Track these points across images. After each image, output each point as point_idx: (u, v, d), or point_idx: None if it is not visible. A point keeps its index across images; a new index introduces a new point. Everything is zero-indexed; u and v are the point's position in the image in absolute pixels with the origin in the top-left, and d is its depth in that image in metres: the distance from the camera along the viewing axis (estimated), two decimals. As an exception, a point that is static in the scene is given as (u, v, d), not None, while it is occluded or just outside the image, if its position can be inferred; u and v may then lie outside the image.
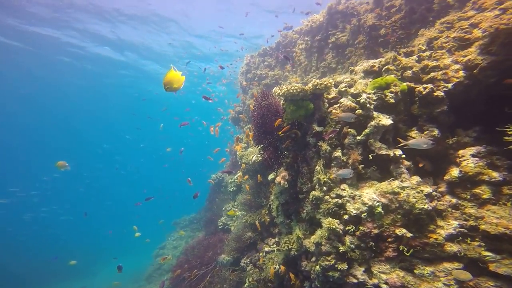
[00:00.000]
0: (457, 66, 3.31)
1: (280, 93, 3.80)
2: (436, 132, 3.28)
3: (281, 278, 4.77)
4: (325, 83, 3.66)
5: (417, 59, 3.74)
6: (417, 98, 3.46)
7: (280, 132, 3.90)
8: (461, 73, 3.25)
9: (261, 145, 4.41)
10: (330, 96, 3.96)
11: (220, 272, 6.57)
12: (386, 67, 3.84)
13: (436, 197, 3.08)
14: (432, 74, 3.44)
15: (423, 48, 3.86)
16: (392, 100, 3.56)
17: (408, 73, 3.64)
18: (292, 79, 8.48)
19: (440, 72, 3.37)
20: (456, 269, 2.78)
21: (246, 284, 5.79)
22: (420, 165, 3.35)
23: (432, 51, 3.67)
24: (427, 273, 2.87)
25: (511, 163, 2.81)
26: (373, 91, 3.68)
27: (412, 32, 4.90)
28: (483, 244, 2.76)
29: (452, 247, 2.85)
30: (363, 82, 3.92)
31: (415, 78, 3.61)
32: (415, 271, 2.95)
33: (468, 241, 2.83)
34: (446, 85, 3.29)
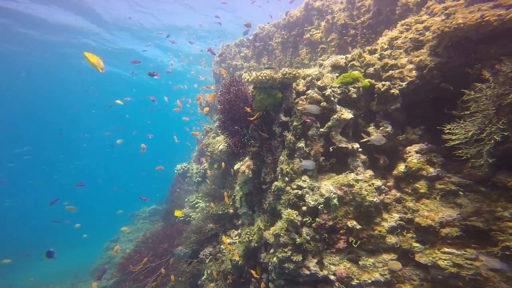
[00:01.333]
0: (411, 66, 3.61)
1: (250, 79, 3.80)
2: (389, 128, 3.55)
3: (240, 269, 4.81)
4: (294, 72, 3.74)
5: (379, 57, 4.01)
6: (376, 95, 3.71)
7: (252, 118, 3.90)
8: (414, 72, 3.55)
9: (227, 132, 4.36)
10: (298, 87, 4.06)
11: (176, 265, 6.42)
12: (352, 62, 4.05)
13: (384, 191, 3.35)
14: (390, 72, 3.71)
15: (385, 46, 4.14)
16: (355, 95, 3.77)
17: (371, 70, 3.88)
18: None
19: (397, 71, 3.65)
20: (391, 259, 3.09)
21: (204, 276, 5.74)
22: (381, 162, 3.60)
23: (392, 50, 3.96)
24: (369, 264, 3.15)
25: (444, 161, 3.16)
26: (338, 85, 3.86)
27: (377, 32, 5.25)
28: (415, 235, 3.09)
29: (391, 239, 3.15)
30: (329, 76, 4.08)
31: (376, 76, 3.87)
32: (359, 262, 3.21)
33: (404, 233, 3.15)
34: (401, 83, 3.57)
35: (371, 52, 4.25)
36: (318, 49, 6.81)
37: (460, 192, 2.93)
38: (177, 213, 5.74)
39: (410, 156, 3.32)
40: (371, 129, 3.68)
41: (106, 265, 12.88)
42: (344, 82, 3.82)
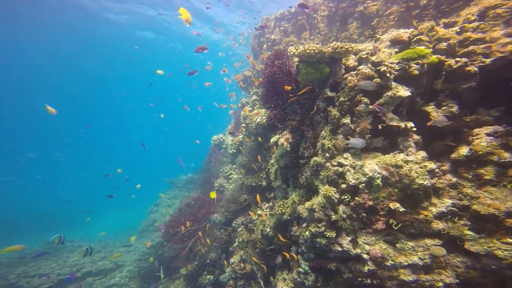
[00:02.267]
0: (507, 40, 3.13)
1: (296, 53, 3.65)
2: (455, 108, 3.20)
3: (270, 240, 4.99)
4: (346, 47, 3.49)
5: (458, 30, 3.55)
6: (444, 72, 3.32)
7: (299, 92, 3.80)
8: (510, 47, 3.05)
9: (268, 104, 4.34)
10: (348, 62, 3.82)
11: (211, 231, 6.90)
12: (419, 37, 3.64)
13: (437, 175, 3.08)
14: (471, 48, 3.28)
15: (472, 18, 3.62)
16: (416, 72, 3.42)
17: (443, 45, 3.47)
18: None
19: (482, 46, 3.21)
20: (435, 245, 2.89)
21: (236, 244, 6.11)
22: (450, 143, 3.28)
23: (481, 22, 3.45)
24: (407, 247, 3.01)
25: None
26: (397, 61, 3.52)
27: (460, 4, 4.56)
28: (468, 223, 2.83)
29: (438, 225, 2.94)
30: (387, 51, 3.74)
31: (449, 51, 3.45)
32: (397, 244, 3.08)
33: (455, 220, 2.91)
34: (484, 60, 3.14)
35: (448, 26, 3.78)
36: (373, 23, 6.21)
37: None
38: (212, 195, 6.11)
39: (478, 139, 2.96)
40: (430, 108, 3.35)
41: (150, 227, 14.41)
42: (405, 58, 3.47)
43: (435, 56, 3.39)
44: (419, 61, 3.41)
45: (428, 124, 3.17)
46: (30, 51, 25.37)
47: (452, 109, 3.19)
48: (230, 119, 13.16)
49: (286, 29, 9.55)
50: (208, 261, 6.97)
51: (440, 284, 2.83)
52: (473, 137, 3.00)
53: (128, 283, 9.57)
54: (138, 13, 19.05)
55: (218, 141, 11.55)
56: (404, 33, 3.84)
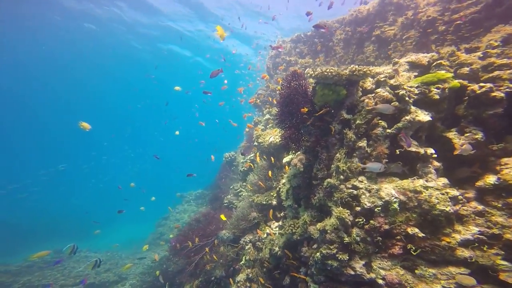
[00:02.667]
0: None
1: (313, 75, 3.73)
2: (480, 135, 3.11)
3: (278, 259, 4.85)
4: (364, 70, 3.55)
5: (481, 55, 3.55)
6: (466, 97, 3.28)
7: (317, 114, 3.84)
8: None
9: (283, 124, 4.38)
10: (365, 85, 3.86)
11: (219, 247, 6.78)
12: (439, 61, 3.65)
13: (461, 201, 2.94)
14: (496, 73, 3.26)
15: (495, 44, 3.62)
16: (437, 97, 3.39)
17: (465, 70, 3.46)
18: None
19: (508, 71, 3.17)
20: (461, 273, 2.70)
21: (242, 262, 5.96)
22: (477, 170, 3.16)
23: (505, 48, 3.46)
24: (428, 274, 2.83)
25: None
26: (417, 85, 3.52)
27: (481, 31, 4.58)
28: (502, 252, 2.64)
29: (464, 252, 2.77)
30: (406, 75, 3.76)
31: (472, 77, 3.44)
32: (416, 271, 2.91)
33: (485, 249, 2.73)
34: (511, 85, 3.07)
35: (469, 51, 3.78)
36: (390, 46, 6.30)
37: None
38: (223, 217, 6.21)
39: (507, 168, 2.85)
40: (452, 134, 3.27)
41: (157, 240, 14.35)
42: (425, 82, 3.47)
43: (457, 80, 3.36)
44: (440, 86, 3.39)
45: (455, 153, 3.09)
46: (72, 66, 27.14)
47: (477, 136, 3.10)
48: (242, 138, 13.32)
49: (302, 50, 9.79)
50: (213, 278, 6.80)
51: None
52: (502, 166, 2.89)
53: None
54: (162, 26, 20.22)
55: (229, 158, 11.65)
56: (424, 57, 3.86)
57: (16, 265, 11.54)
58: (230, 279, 5.87)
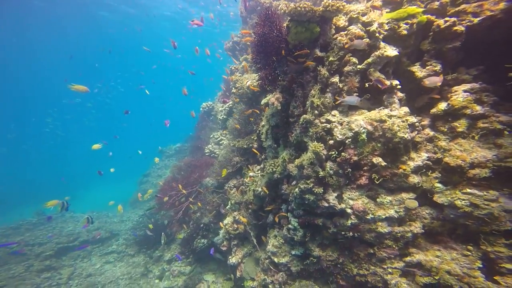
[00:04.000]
0: None
1: (286, 11, 3.66)
2: (438, 67, 3.41)
3: (262, 200, 5.35)
4: (337, 5, 3.53)
5: None
6: (431, 32, 3.46)
7: (295, 54, 3.87)
8: (502, 4, 3.14)
9: (259, 65, 4.41)
10: (338, 23, 3.88)
11: (204, 195, 7.26)
12: None
13: (417, 129, 3.38)
14: (462, 6, 3.38)
15: None
16: (405, 32, 3.55)
17: (435, 4, 3.56)
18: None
19: (474, 4, 3.30)
20: (409, 198, 3.29)
21: (228, 206, 6.50)
22: (435, 96, 3.49)
23: None
24: (386, 201, 3.40)
25: (497, 100, 3.06)
26: (387, 21, 3.62)
27: None
28: (440, 176, 3.21)
29: (414, 179, 3.31)
30: (378, 12, 3.80)
31: (440, 11, 3.55)
32: (377, 199, 3.46)
33: (429, 173, 3.28)
34: (472, 19, 3.26)
35: None
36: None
37: (505, 132, 2.90)
38: (224, 172, 6.38)
39: (455, 95, 3.23)
40: (415, 68, 3.55)
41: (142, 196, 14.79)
42: (395, 18, 3.56)
43: (424, 16, 3.49)
44: (409, 21, 3.52)
45: (424, 85, 3.36)
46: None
47: (436, 68, 3.40)
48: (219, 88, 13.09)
49: None
50: (202, 225, 7.42)
51: (409, 234, 3.29)
52: (451, 94, 3.26)
53: (125, 250, 10.15)
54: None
55: (207, 108, 11.58)
56: None
57: (2, 227, 11.77)
58: (221, 223, 6.42)
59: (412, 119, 3.33)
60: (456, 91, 3.25)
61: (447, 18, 3.35)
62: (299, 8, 3.52)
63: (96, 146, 7.62)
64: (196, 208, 7.35)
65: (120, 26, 26.07)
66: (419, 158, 3.31)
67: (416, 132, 3.39)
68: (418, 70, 3.53)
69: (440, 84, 3.26)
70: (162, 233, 7.23)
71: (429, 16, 3.50)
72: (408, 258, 3.32)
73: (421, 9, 3.50)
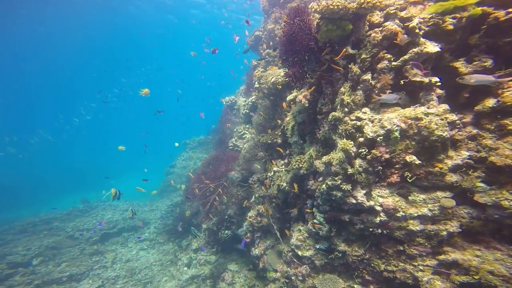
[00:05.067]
0: None
1: (318, 9, 3.53)
2: (489, 63, 3.11)
3: (286, 194, 5.34)
4: (374, 2, 3.33)
5: None
6: (485, 25, 3.15)
7: (336, 58, 3.74)
8: None
9: (287, 63, 4.32)
10: (373, 19, 3.68)
11: (229, 188, 7.37)
12: None
13: (458, 126, 3.16)
14: None
15: None
16: (451, 27, 3.28)
17: None
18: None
19: None
20: (445, 197, 3.10)
21: (252, 199, 6.55)
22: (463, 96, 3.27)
23: None
24: (419, 199, 3.23)
25: None
26: (430, 16, 3.36)
27: None
28: (482, 175, 2.98)
29: (452, 178, 3.10)
30: (418, 7, 3.55)
31: (502, 1, 3.17)
32: (409, 197, 3.29)
33: (470, 172, 3.05)
34: None
35: None
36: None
37: None
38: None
39: (508, 91, 2.93)
40: (459, 64, 3.27)
41: (168, 187, 15.39)
42: (440, 12, 3.28)
43: (479, 8, 3.16)
44: (457, 15, 3.23)
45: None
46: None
47: (485, 64, 3.10)
48: (237, 82, 13.12)
49: None
50: (226, 217, 7.59)
51: (444, 233, 3.11)
52: (504, 90, 2.96)
53: (156, 238, 10.67)
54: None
55: (230, 102, 11.65)
56: None
57: (59, 213, 13.42)
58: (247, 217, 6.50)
59: (452, 116, 3.11)
60: (509, 87, 2.95)
61: (510, 10, 2.99)
62: (331, 6, 3.37)
63: (121, 148, 7.95)
64: (222, 200, 7.50)
65: (150, 26, 26.40)
66: (458, 157, 3.10)
67: (456, 130, 3.17)
68: (462, 66, 3.25)
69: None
70: (193, 229, 7.51)
71: (485, 8, 3.16)
72: (442, 257, 3.16)
73: (474, 0, 3.19)
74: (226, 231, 7.68)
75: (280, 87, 6.02)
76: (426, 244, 3.25)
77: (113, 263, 9.51)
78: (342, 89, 3.69)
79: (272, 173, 5.97)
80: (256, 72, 7.58)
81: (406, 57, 3.34)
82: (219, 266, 7.61)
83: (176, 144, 11.67)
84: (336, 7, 3.36)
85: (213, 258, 8.07)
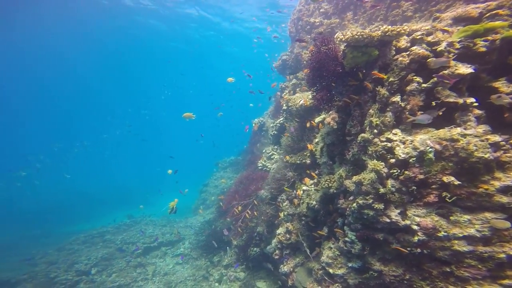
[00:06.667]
0: None
1: (343, 39, 3.64)
2: None
3: (316, 212, 5.20)
4: (398, 29, 3.37)
5: None
6: None
7: (372, 77, 3.74)
8: None
9: (315, 87, 4.41)
10: (399, 44, 3.66)
11: (259, 206, 7.35)
12: (495, 11, 3.27)
13: (503, 148, 2.88)
14: None
15: None
16: (483, 49, 3.14)
17: None
18: (351, 28, 7.61)
19: None
20: (496, 218, 2.76)
21: (281, 217, 6.46)
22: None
23: None
24: (463, 220, 2.91)
25: None
26: (459, 39, 3.26)
27: None
28: None
29: (502, 199, 2.77)
30: (447, 34, 3.47)
31: None
32: (451, 217, 3.00)
33: None
34: None
35: None
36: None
37: None
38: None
39: None
40: (499, 84, 3.07)
41: (202, 205, 15.76)
42: (470, 34, 3.18)
43: None
44: (489, 38, 3.09)
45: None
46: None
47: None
48: (264, 104, 13.43)
49: (326, 11, 8.94)
50: (255, 234, 7.50)
51: (502, 255, 2.73)
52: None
53: (190, 253, 10.82)
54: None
55: (259, 123, 11.90)
56: (475, 8, 3.45)
57: (110, 226, 14.64)
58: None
59: (495, 137, 2.85)
60: None
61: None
62: (356, 36, 3.45)
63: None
64: (252, 218, 7.47)
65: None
66: (508, 178, 2.79)
67: (502, 151, 2.89)
68: (503, 86, 3.03)
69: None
70: (228, 248, 7.50)
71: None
72: (506, 281, 2.75)
73: (507, 23, 3.05)
74: (255, 248, 7.54)
75: (306, 108, 6.08)
76: (479, 266, 2.86)
77: (153, 276, 9.74)
78: (370, 111, 3.64)
79: (301, 192, 5.88)
80: (284, 95, 7.75)
81: (436, 79, 3.22)
82: (248, 283, 7.40)
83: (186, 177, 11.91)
84: (361, 36, 3.43)
85: (242, 275, 7.90)
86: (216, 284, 8.33)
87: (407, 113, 3.33)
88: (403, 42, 3.59)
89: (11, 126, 52.99)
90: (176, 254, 11.15)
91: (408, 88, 3.35)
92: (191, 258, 10.48)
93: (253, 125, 11.95)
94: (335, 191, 4.39)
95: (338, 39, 3.70)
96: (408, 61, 3.37)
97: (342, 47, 4.09)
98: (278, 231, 6.29)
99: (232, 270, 8.20)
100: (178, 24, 22.91)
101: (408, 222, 3.19)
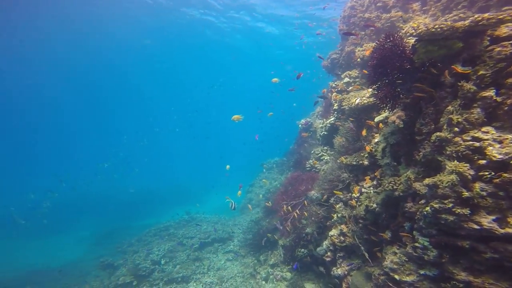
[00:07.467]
0: None
1: (414, 33, 3.32)
2: None
3: (377, 216, 4.84)
4: (500, 16, 2.89)
5: None
6: None
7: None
8: None
9: (377, 85, 4.12)
10: (497, 33, 3.13)
11: (309, 206, 7.14)
12: None
13: None
14: None
15: None
16: None
17: None
18: (419, 20, 6.73)
19: None
20: None
21: (334, 219, 6.18)
22: None
23: None
24: None
25: None
26: None
27: None
28: None
29: None
30: None
31: None
32: None
33: None
34: None
35: None
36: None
37: None
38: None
39: None
40: None
41: (248, 204, 16.06)
42: None
43: None
44: None
45: None
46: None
47: None
48: (308, 107, 13.05)
49: (385, 4, 7.98)
50: (304, 234, 7.29)
51: None
52: None
53: (239, 251, 11.16)
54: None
55: (305, 124, 11.68)
56: None
57: (173, 221, 16.14)
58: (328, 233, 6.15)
59: None
60: None
61: None
62: (433, 29, 3.11)
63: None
64: (301, 218, 7.31)
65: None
66: None
67: None
68: None
69: None
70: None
71: None
72: None
73: None
74: (302, 250, 7.36)
75: (363, 107, 5.72)
76: None
77: (208, 270, 10.32)
78: (449, 107, 3.23)
79: (358, 194, 5.54)
80: (335, 95, 7.42)
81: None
82: (295, 283, 7.27)
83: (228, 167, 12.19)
84: (439, 29, 3.07)
85: (288, 275, 7.81)
86: (263, 282, 8.37)
87: (506, 108, 2.84)
88: (505, 30, 3.07)
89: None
90: (226, 250, 11.59)
91: (509, 80, 2.86)
92: (239, 256, 10.77)
93: (299, 126, 11.75)
94: (401, 193, 4.02)
95: (408, 33, 3.39)
96: (510, 51, 2.88)
97: (410, 41, 3.73)
98: (331, 233, 6.06)
99: (279, 269, 8.17)
100: (228, 36, 23.82)
101: (510, 230, 2.72)
